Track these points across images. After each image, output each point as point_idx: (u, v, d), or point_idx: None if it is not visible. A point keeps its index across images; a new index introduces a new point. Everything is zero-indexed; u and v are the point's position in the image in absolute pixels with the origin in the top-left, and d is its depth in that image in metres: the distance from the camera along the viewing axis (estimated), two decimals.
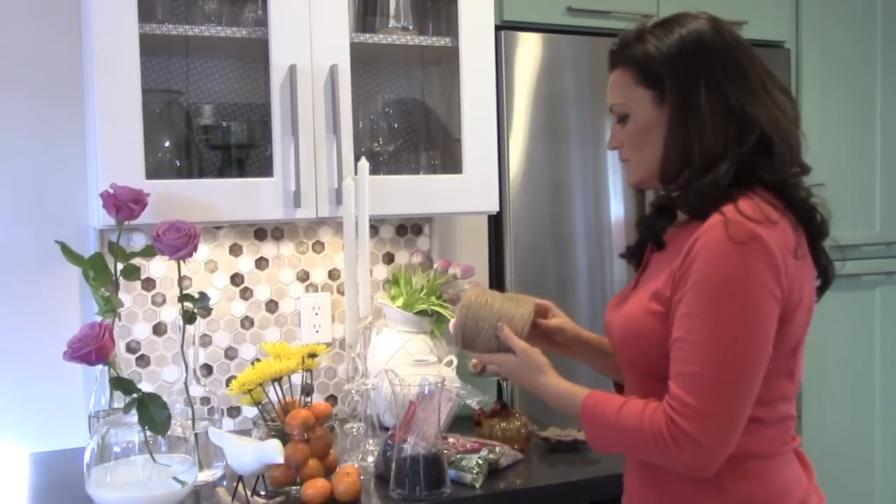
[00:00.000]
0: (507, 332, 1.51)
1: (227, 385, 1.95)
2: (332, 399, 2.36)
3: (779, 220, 1.31)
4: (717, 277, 1.28)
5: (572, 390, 1.45)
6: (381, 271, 2.42)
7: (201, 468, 1.78)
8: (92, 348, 1.59)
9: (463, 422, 2.08)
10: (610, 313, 1.52)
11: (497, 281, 2.46)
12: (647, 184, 1.48)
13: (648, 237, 1.48)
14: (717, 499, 1.35)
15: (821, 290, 1.43)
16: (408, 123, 2.43)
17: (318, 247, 2.37)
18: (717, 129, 1.35)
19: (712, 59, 1.36)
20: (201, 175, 2.14)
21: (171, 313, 2.20)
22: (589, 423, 1.40)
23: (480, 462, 1.80)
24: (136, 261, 1.83)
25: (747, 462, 1.35)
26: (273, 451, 1.64)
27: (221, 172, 2.17)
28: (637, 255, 1.54)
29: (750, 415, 1.31)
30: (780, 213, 1.32)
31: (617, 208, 2.52)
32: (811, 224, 1.37)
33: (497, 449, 1.87)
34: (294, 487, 1.74)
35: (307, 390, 1.90)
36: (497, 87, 2.23)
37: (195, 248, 1.79)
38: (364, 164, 1.95)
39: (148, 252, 1.82)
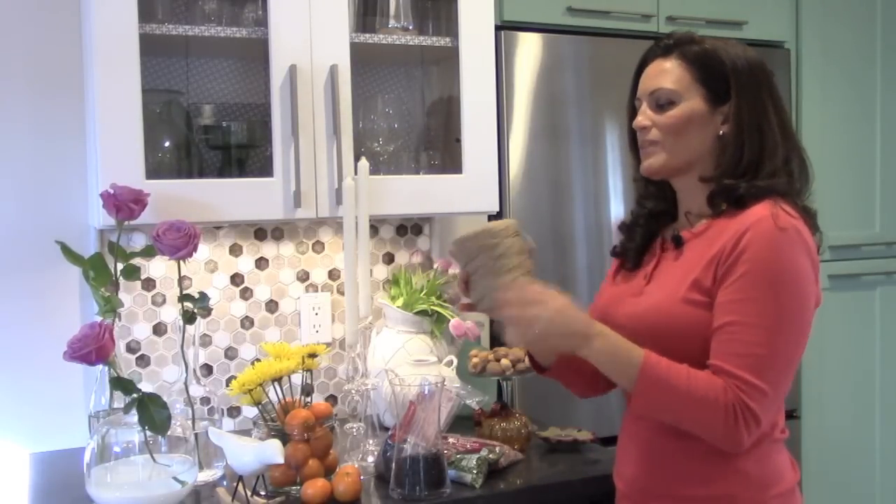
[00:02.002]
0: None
1: (227, 385, 1.95)
2: (332, 399, 2.36)
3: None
4: (774, 265, 1.38)
5: (626, 342, 1.43)
6: (381, 271, 2.42)
7: (201, 468, 1.78)
8: (92, 348, 1.59)
9: (463, 422, 2.08)
10: (624, 309, 1.54)
11: None
12: (666, 172, 1.55)
13: (646, 237, 1.60)
14: (721, 474, 1.45)
15: None
16: (408, 123, 2.43)
17: (318, 247, 2.37)
18: (777, 141, 1.49)
19: (771, 81, 1.52)
20: (201, 175, 2.14)
21: (171, 313, 2.20)
22: (649, 381, 1.39)
23: (480, 462, 1.80)
24: (136, 261, 1.83)
25: (756, 445, 1.44)
26: (273, 451, 1.64)
27: (221, 172, 2.17)
28: (634, 254, 1.62)
29: None
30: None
31: (617, 208, 2.52)
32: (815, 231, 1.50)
33: (497, 449, 1.87)
34: (294, 487, 1.74)
35: (307, 390, 1.90)
36: (497, 87, 2.23)
37: (195, 248, 1.79)
38: (364, 164, 1.95)
39: (148, 252, 1.82)
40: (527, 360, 1.74)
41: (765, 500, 1.45)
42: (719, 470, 1.44)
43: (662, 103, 1.52)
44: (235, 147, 2.17)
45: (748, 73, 1.50)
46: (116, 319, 1.76)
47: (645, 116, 1.54)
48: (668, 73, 1.52)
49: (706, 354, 1.41)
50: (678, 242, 1.53)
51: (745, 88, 1.50)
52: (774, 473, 1.47)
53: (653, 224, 1.63)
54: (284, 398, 1.85)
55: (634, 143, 1.60)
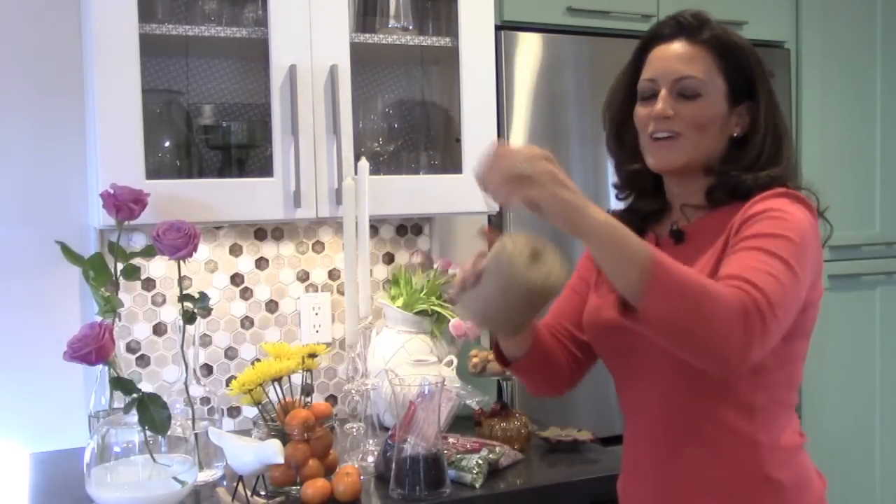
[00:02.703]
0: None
1: (227, 385, 1.95)
2: (332, 399, 2.36)
3: None
4: (777, 213, 1.29)
5: (631, 233, 1.21)
6: (381, 271, 2.42)
7: (201, 468, 1.78)
8: (92, 348, 1.59)
9: (463, 422, 2.08)
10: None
11: None
12: (687, 169, 1.41)
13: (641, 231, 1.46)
14: (764, 487, 1.34)
15: None
16: (408, 123, 2.43)
17: (318, 247, 2.37)
18: (783, 133, 1.41)
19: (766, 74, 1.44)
20: (201, 175, 2.14)
21: (171, 313, 2.20)
22: (661, 276, 1.16)
23: (480, 462, 1.80)
24: (136, 261, 1.83)
25: (786, 451, 1.37)
26: (273, 451, 1.64)
27: (221, 172, 2.17)
28: None
29: (783, 400, 1.37)
30: None
31: (617, 208, 2.51)
32: None
33: (497, 449, 1.87)
34: (294, 487, 1.74)
35: (307, 390, 1.90)
36: (497, 87, 2.22)
37: (195, 248, 1.79)
38: (364, 164, 1.95)
39: (148, 252, 1.82)
40: (492, 354, 1.58)
41: None
42: (749, 483, 1.34)
43: (689, 94, 1.38)
44: (235, 147, 2.16)
45: (763, 70, 1.41)
46: (116, 319, 1.76)
47: (667, 103, 1.39)
48: (697, 61, 1.38)
49: None
50: (678, 237, 1.42)
51: (765, 87, 1.41)
52: (805, 481, 1.38)
53: (638, 225, 1.48)
54: (284, 398, 1.85)
55: (618, 132, 1.49)
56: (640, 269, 1.15)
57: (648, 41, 1.44)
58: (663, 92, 1.39)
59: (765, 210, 1.30)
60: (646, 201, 1.51)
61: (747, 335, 1.16)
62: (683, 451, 1.38)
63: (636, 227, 1.42)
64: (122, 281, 1.79)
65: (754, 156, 1.39)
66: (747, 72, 1.40)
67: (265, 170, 2.08)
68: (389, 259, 2.44)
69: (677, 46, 1.40)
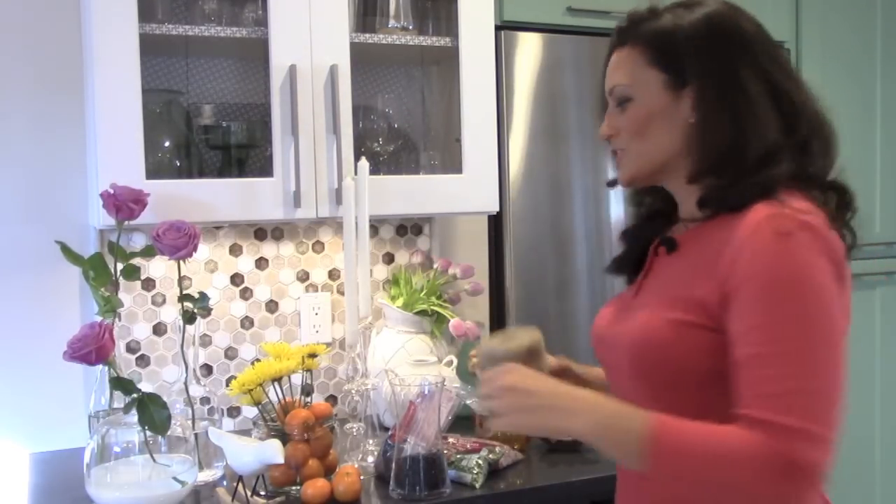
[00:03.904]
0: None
1: (227, 385, 1.95)
2: (332, 399, 2.36)
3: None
4: (785, 278, 1.12)
5: (619, 408, 1.16)
6: (381, 271, 2.42)
7: (201, 468, 1.78)
8: (92, 348, 1.59)
9: (463, 422, 2.08)
10: (611, 328, 1.36)
11: (497, 281, 2.46)
12: (642, 180, 1.34)
13: (640, 243, 1.39)
14: None
15: None
16: (408, 123, 2.43)
17: (318, 247, 2.37)
18: (769, 116, 1.23)
19: (749, 41, 1.25)
20: (201, 175, 2.14)
21: (171, 313, 2.20)
22: (662, 462, 1.11)
23: (480, 462, 1.80)
24: (136, 261, 1.83)
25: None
26: (273, 451, 1.64)
27: (221, 172, 2.17)
28: (631, 266, 1.42)
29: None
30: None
31: (617, 208, 2.52)
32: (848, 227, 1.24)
33: (497, 449, 1.87)
34: (294, 487, 1.74)
35: (307, 390, 1.90)
36: (497, 87, 2.22)
37: (195, 248, 1.79)
38: (364, 164, 1.95)
39: (148, 252, 1.82)
40: None
41: None
42: None
43: (622, 103, 1.30)
44: (235, 147, 2.16)
45: (708, 39, 1.24)
46: (116, 319, 1.76)
47: (607, 123, 1.33)
48: (621, 67, 1.30)
49: (705, 388, 1.19)
50: (670, 246, 1.31)
51: (704, 60, 1.24)
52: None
53: (648, 228, 1.41)
54: (284, 398, 1.85)
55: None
56: (639, 455, 1.12)
57: (605, 61, 1.37)
58: (609, 108, 1.35)
59: (753, 274, 1.13)
60: (654, 200, 1.42)
61: (790, 482, 1.08)
62: (652, 484, 1.28)
63: (647, 233, 1.38)
64: (122, 281, 1.79)
65: (708, 145, 1.24)
66: (674, 50, 1.26)
67: (265, 170, 2.08)
68: (389, 259, 2.44)
69: (613, 57, 1.34)
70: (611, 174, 1.43)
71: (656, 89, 1.27)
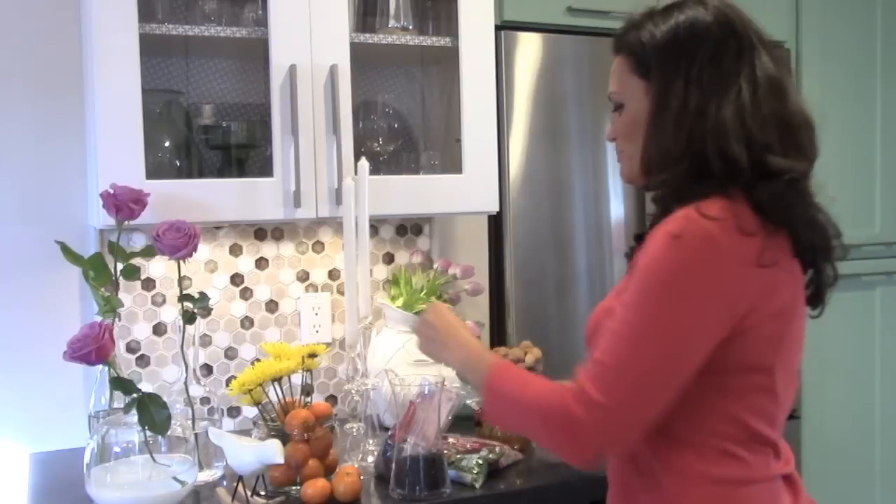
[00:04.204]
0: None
1: (227, 385, 1.94)
2: (332, 399, 2.36)
3: (753, 225, 1.22)
4: (653, 273, 1.21)
5: (481, 352, 1.43)
6: (381, 271, 2.42)
7: (201, 468, 1.78)
8: (92, 348, 1.59)
9: (463, 422, 2.08)
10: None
11: (497, 281, 2.46)
12: (639, 179, 1.38)
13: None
14: None
15: (811, 301, 1.41)
16: (408, 123, 2.43)
17: (318, 247, 2.37)
18: (680, 126, 1.27)
19: (698, 50, 1.27)
20: (201, 175, 2.14)
21: (171, 313, 2.20)
22: (491, 396, 1.34)
23: (480, 462, 1.80)
24: (136, 261, 1.83)
25: (716, 486, 1.26)
26: (273, 451, 1.64)
27: (221, 172, 2.17)
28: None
29: (717, 429, 1.26)
30: (758, 219, 1.23)
31: (617, 208, 2.52)
32: (798, 238, 1.29)
33: (497, 449, 1.87)
34: (294, 487, 1.74)
35: (307, 390, 1.90)
36: (497, 87, 2.22)
37: (195, 248, 1.79)
38: (364, 164, 1.95)
39: (148, 252, 1.82)
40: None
41: None
42: None
43: (617, 107, 1.39)
44: (235, 147, 2.17)
45: (667, 47, 1.29)
46: (116, 319, 1.76)
47: (609, 127, 1.43)
48: (614, 74, 1.39)
49: None
50: (638, 240, 1.38)
51: (661, 67, 1.30)
52: None
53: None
54: (284, 398, 1.85)
55: None
56: (481, 393, 1.36)
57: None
58: (612, 113, 1.42)
59: (641, 266, 1.24)
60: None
61: (565, 441, 1.24)
62: (638, 497, 1.36)
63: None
64: (121, 281, 1.79)
65: (650, 146, 1.30)
66: (649, 60, 1.31)
67: (265, 170, 2.08)
68: (389, 259, 2.44)
69: (613, 64, 1.40)
70: (611, 174, 1.50)
71: (639, 96, 1.34)
